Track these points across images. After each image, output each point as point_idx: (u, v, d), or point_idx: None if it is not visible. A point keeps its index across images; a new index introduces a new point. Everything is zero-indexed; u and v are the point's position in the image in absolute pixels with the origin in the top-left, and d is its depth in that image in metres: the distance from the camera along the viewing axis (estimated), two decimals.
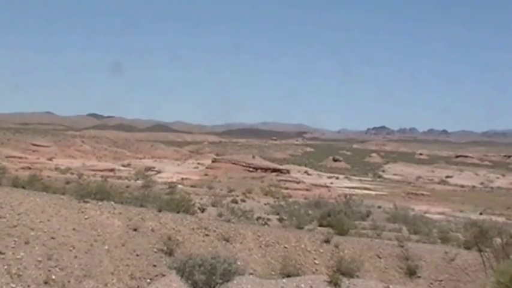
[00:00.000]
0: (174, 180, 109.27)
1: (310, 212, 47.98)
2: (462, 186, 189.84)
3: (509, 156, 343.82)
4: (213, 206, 49.33)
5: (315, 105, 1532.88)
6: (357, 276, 21.35)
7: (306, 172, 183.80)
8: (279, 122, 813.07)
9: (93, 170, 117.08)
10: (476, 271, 23.23)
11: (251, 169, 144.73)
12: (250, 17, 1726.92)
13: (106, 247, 19.77)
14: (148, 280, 18.85)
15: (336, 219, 31.52)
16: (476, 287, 22.39)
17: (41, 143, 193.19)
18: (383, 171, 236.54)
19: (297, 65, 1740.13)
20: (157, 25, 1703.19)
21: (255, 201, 73.48)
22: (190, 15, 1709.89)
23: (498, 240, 22.20)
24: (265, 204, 66.66)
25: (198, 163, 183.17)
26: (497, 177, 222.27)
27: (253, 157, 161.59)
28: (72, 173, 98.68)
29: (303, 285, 19.56)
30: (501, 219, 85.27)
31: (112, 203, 24.56)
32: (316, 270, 22.46)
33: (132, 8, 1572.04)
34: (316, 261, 23.17)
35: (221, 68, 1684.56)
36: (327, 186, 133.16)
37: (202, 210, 40.20)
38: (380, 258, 24.39)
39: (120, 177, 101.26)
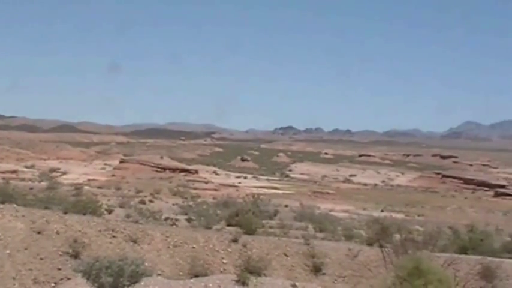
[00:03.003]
0: (81, 181, 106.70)
1: (218, 211, 48.28)
2: (365, 184, 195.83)
3: (408, 155, 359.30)
4: (121, 207, 48.67)
5: (223, 106, 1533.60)
6: (265, 275, 21.70)
7: (214, 172, 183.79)
8: (187, 122, 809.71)
9: None
10: (378, 266, 24.02)
11: (159, 169, 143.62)
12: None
13: (8, 251, 19.10)
14: (53, 284, 18.40)
15: (244, 218, 31.84)
16: (377, 282, 23.28)
17: None
18: (290, 170, 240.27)
19: (204, 64, 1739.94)
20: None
21: (164, 201, 72.98)
22: None
23: (398, 236, 23.22)
24: (173, 204, 66.34)
25: (105, 164, 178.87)
26: (397, 176, 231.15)
27: (162, 157, 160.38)
28: None
29: (211, 284, 19.70)
30: (401, 216, 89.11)
31: (14, 205, 23.76)
32: (225, 269, 22.65)
33: None
34: (225, 261, 23.36)
35: (131, 70, 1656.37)
36: (235, 186, 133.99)
37: (110, 212, 39.56)
38: (287, 256, 24.88)
39: (23, 179, 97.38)
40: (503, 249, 32.80)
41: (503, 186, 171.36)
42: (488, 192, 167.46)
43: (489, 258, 24.97)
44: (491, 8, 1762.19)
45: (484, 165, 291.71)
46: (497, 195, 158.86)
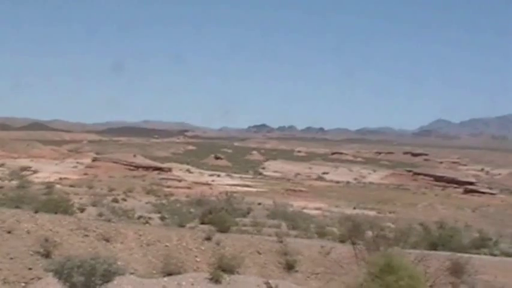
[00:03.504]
0: (52, 180, 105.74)
1: (192, 210, 48.24)
2: (337, 182, 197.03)
3: (380, 153, 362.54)
4: (93, 205, 48.32)
5: (196, 104, 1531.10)
6: (238, 273, 21.75)
7: (187, 170, 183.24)
8: (161, 120, 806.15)
9: None
10: (350, 263, 24.20)
11: (132, 168, 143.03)
12: None
13: None
14: (23, 284, 18.20)
15: (217, 216, 31.85)
16: (349, 279, 23.50)
17: None
18: (263, 168, 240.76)
19: (179, 64, 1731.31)
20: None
21: (137, 200, 72.73)
22: None
23: (370, 233, 23.48)
24: (146, 203, 66.13)
25: (78, 162, 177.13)
26: (369, 173, 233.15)
27: (135, 156, 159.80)
28: None
29: (184, 283, 19.68)
30: (372, 213, 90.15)
31: None
32: (198, 267, 22.63)
33: None
34: (198, 259, 23.35)
35: (102, 67, 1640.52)
36: (209, 184, 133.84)
37: (82, 210, 39.31)
38: (260, 254, 24.96)
39: None
40: (472, 245, 33.41)
41: (472, 183, 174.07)
42: (457, 189, 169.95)
43: (458, 254, 25.40)
44: (463, 4, 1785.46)
45: (453, 162, 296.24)
46: (466, 192, 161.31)
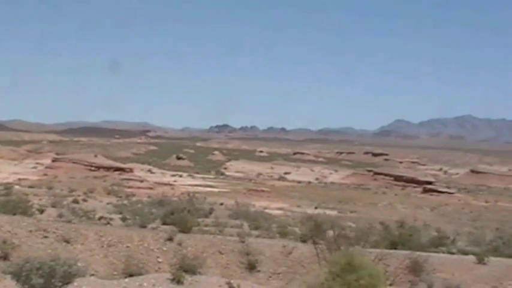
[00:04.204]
0: (11, 180, 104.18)
1: (153, 210, 47.91)
2: (299, 182, 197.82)
3: (341, 153, 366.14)
4: (53, 206, 47.72)
5: (158, 104, 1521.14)
6: (200, 273, 21.71)
7: (149, 171, 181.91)
8: (122, 120, 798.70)
9: None
10: (312, 263, 24.40)
11: (93, 168, 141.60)
12: None
13: None
14: None
15: (179, 217, 31.79)
16: (310, 278, 23.70)
17: None
18: (225, 168, 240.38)
19: (140, 63, 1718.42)
20: None
21: (98, 200, 72.06)
22: None
23: (331, 232, 23.71)
24: (108, 203, 65.57)
25: (37, 163, 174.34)
26: (331, 173, 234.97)
27: (96, 156, 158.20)
28: None
29: (145, 284, 19.56)
30: (334, 213, 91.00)
31: None
32: (160, 268, 22.56)
33: None
34: (160, 260, 23.27)
35: (62, 67, 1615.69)
36: (171, 185, 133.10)
37: (41, 212, 38.76)
38: (222, 254, 25.00)
39: None
40: (430, 244, 34.04)
41: (430, 183, 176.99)
42: (417, 189, 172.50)
43: (417, 253, 25.84)
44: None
45: (413, 162, 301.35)
46: (425, 191, 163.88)
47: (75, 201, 60.89)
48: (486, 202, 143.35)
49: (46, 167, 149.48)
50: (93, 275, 20.22)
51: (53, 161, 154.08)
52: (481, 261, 26.05)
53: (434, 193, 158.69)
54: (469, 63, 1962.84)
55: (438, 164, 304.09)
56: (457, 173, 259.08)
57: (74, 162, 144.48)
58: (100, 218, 38.75)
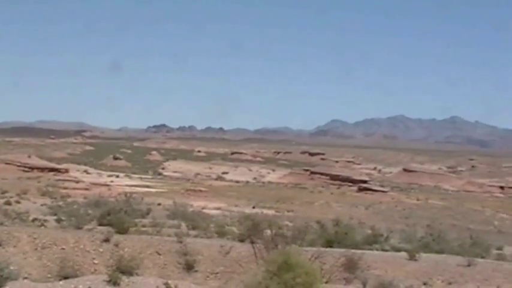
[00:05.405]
0: None
1: (90, 211, 47.16)
2: (237, 181, 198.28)
3: (279, 153, 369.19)
4: None
5: (94, 103, 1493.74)
6: (137, 274, 21.56)
7: (85, 171, 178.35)
8: (57, 120, 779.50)
9: None
10: (249, 262, 24.62)
11: (27, 169, 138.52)
12: None
13: None
14: None
15: (116, 217, 31.41)
16: (248, 277, 23.90)
17: None
18: (163, 168, 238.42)
19: (81, 63, 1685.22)
20: None
21: (31, 202, 70.30)
22: None
23: (268, 232, 24.00)
24: (42, 205, 64.09)
25: None
26: (268, 173, 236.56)
27: (29, 156, 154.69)
28: None
29: (81, 286, 19.28)
30: (271, 212, 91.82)
31: None
32: (96, 270, 22.29)
33: None
34: (96, 261, 22.98)
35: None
36: (107, 185, 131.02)
37: None
38: (159, 254, 24.91)
39: None
40: (365, 242, 34.81)
41: (365, 182, 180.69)
42: (352, 188, 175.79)
43: (352, 251, 26.44)
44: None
45: (348, 161, 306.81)
46: (360, 190, 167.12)
47: (8, 203, 59.13)
48: (418, 200, 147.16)
49: None
50: (26, 278, 19.81)
51: None
52: (412, 257, 26.88)
53: (369, 192, 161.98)
54: (399, 67, 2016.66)
55: (373, 163, 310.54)
56: (391, 172, 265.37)
57: (6, 163, 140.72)
58: (34, 220, 37.82)
